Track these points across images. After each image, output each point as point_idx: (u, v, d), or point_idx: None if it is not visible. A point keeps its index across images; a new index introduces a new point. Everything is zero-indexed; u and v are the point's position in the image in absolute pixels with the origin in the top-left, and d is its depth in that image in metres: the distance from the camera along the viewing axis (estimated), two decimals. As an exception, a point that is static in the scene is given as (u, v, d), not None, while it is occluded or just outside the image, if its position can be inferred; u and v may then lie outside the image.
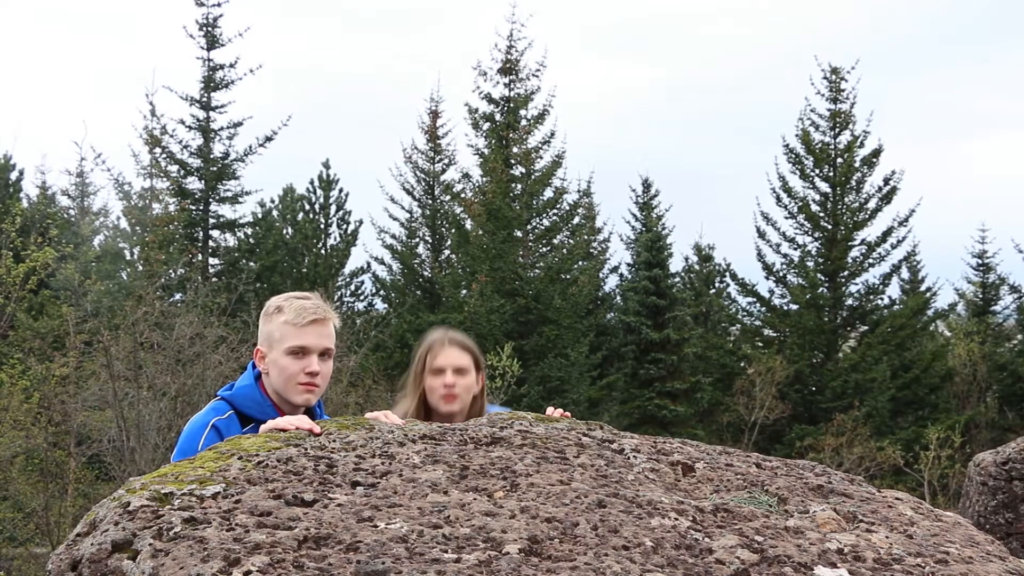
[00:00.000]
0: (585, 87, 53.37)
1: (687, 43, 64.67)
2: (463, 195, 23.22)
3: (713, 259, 26.77)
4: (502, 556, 1.70)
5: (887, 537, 2.02)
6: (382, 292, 25.59)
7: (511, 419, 2.82)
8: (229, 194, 22.04)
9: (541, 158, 22.40)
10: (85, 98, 51.48)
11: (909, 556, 1.90)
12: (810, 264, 22.30)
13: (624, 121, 58.15)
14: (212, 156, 21.71)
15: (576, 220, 23.58)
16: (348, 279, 27.70)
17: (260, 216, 25.14)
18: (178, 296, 18.46)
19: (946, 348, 23.40)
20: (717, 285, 26.77)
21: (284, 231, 26.63)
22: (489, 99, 22.31)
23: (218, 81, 21.59)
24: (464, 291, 20.99)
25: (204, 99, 21.59)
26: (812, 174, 22.20)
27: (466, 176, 23.37)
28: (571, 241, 22.99)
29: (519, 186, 21.85)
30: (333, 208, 28.75)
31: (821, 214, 22.10)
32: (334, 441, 2.41)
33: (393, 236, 24.67)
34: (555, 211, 22.45)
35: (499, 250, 20.11)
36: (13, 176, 29.17)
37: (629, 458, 2.49)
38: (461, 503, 1.96)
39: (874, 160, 22.12)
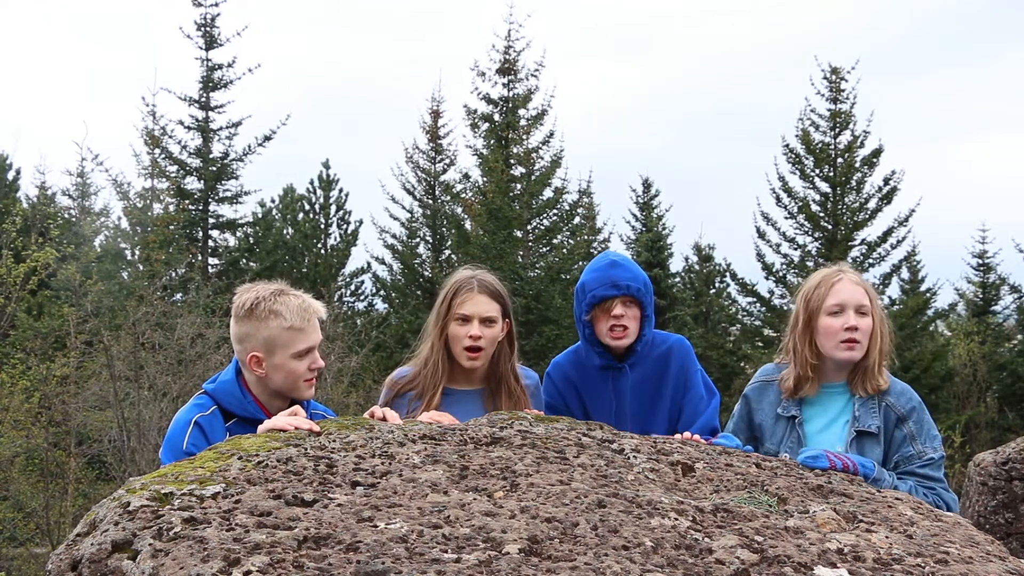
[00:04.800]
0: (585, 87, 53.34)
1: (687, 43, 64.64)
2: (463, 195, 23.22)
3: (713, 259, 26.74)
4: (502, 556, 1.70)
5: (887, 537, 2.02)
6: (382, 292, 25.56)
7: (511, 419, 2.82)
8: (229, 194, 22.03)
9: (541, 158, 22.38)
10: (85, 98, 51.46)
11: (909, 556, 1.90)
12: (810, 264, 22.26)
13: (624, 121, 58.11)
14: (211, 156, 21.70)
15: (576, 220, 23.56)
16: (348, 279, 27.70)
17: (260, 216, 25.14)
18: (179, 296, 18.47)
19: (946, 348, 23.36)
20: (717, 285, 26.73)
21: (284, 231, 26.62)
22: (488, 99, 22.29)
23: (217, 81, 21.57)
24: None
25: (203, 99, 21.57)
26: (812, 174, 22.17)
27: (466, 176, 23.37)
28: (571, 241, 22.98)
29: (519, 186, 21.85)
30: (333, 208, 28.76)
31: (821, 214, 22.08)
32: (334, 441, 2.41)
33: (394, 236, 24.66)
34: (555, 211, 22.43)
35: (499, 250, 20.11)
36: (10, 176, 29.17)
37: (629, 458, 2.49)
38: (461, 503, 1.96)
39: (874, 160, 22.09)
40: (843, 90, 22.10)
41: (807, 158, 22.19)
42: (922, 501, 2.48)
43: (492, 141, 21.95)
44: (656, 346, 3.63)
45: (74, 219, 26.01)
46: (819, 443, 3.20)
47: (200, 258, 21.50)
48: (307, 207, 28.65)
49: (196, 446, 2.79)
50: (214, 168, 21.58)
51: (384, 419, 2.82)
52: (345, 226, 28.71)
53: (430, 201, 24.46)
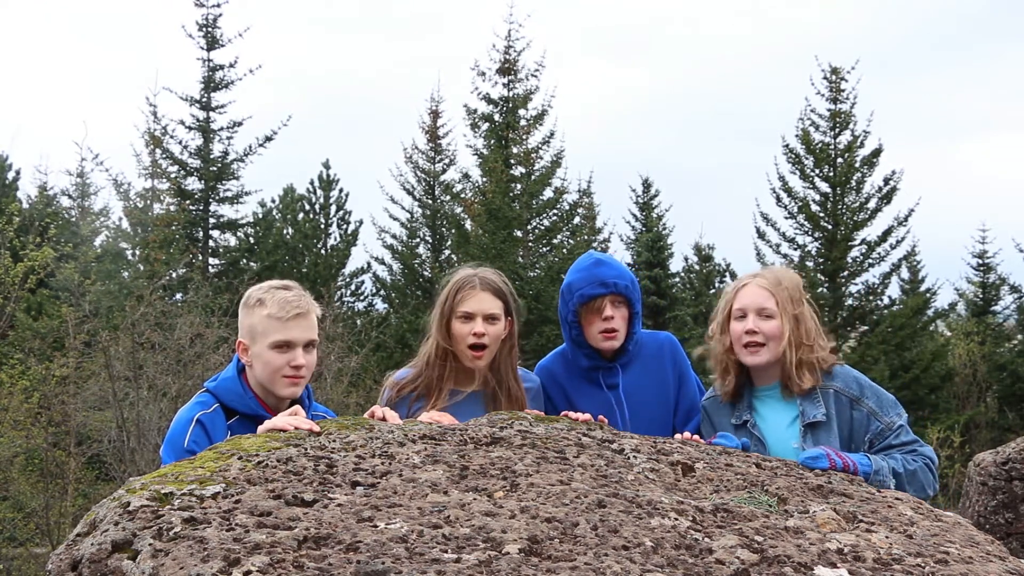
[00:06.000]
0: (585, 88, 53.42)
1: (687, 43, 64.75)
2: (463, 195, 23.22)
3: (713, 259, 26.76)
4: (502, 556, 1.70)
5: (887, 537, 2.02)
6: (382, 292, 25.56)
7: (511, 419, 2.82)
8: (229, 194, 22.03)
9: (541, 158, 22.39)
10: (85, 98, 51.50)
11: (909, 556, 1.90)
12: (810, 264, 22.25)
13: (624, 121, 58.21)
14: (212, 156, 21.70)
15: (576, 220, 23.56)
16: (348, 279, 27.69)
17: (260, 216, 25.13)
18: (178, 296, 18.47)
19: (946, 348, 23.35)
20: (717, 285, 26.74)
21: (284, 231, 26.61)
22: (488, 99, 22.30)
23: (218, 81, 21.58)
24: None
25: (204, 99, 21.57)
26: (812, 174, 22.16)
27: (466, 176, 23.37)
28: (571, 241, 22.97)
29: (519, 186, 21.85)
30: (333, 208, 28.75)
31: (821, 214, 22.06)
32: (334, 441, 2.41)
33: (393, 236, 24.66)
34: (555, 211, 22.43)
35: (499, 250, 20.10)
36: (10, 176, 29.16)
37: (629, 458, 2.49)
38: (461, 503, 1.96)
39: (874, 160, 22.07)
40: (843, 90, 22.10)
41: (807, 158, 22.18)
42: (922, 501, 2.48)
43: (492, 141, 21.96)
44: (646, 343, 3.63)
45: (74, 219, 26.01)
46: (777, 442, 3.24)
47: (200, 258, 21.49)
48: (307, 207, 28.65)
49: (197, 444, 2.79)
50: (215, 168, 21.58)
51: (384, 419, 2.82)
52: (345, 226, 28.72)
53: (430, 201, 24.47)
